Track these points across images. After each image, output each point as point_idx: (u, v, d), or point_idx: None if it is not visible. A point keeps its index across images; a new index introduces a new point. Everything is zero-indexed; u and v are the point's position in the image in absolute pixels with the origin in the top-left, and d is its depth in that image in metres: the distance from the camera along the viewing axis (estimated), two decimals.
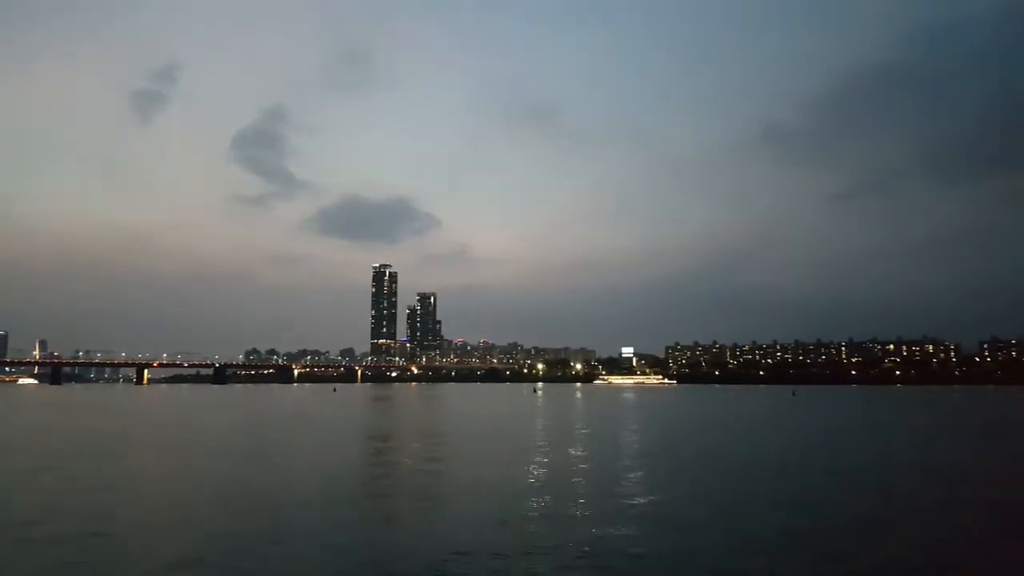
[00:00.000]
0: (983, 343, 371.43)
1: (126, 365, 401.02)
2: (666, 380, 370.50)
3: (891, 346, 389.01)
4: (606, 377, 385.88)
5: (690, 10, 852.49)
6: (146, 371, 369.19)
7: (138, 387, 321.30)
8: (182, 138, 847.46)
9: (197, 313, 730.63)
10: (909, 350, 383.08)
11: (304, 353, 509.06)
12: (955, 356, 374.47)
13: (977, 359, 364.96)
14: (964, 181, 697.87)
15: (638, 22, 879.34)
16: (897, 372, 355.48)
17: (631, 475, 28.52)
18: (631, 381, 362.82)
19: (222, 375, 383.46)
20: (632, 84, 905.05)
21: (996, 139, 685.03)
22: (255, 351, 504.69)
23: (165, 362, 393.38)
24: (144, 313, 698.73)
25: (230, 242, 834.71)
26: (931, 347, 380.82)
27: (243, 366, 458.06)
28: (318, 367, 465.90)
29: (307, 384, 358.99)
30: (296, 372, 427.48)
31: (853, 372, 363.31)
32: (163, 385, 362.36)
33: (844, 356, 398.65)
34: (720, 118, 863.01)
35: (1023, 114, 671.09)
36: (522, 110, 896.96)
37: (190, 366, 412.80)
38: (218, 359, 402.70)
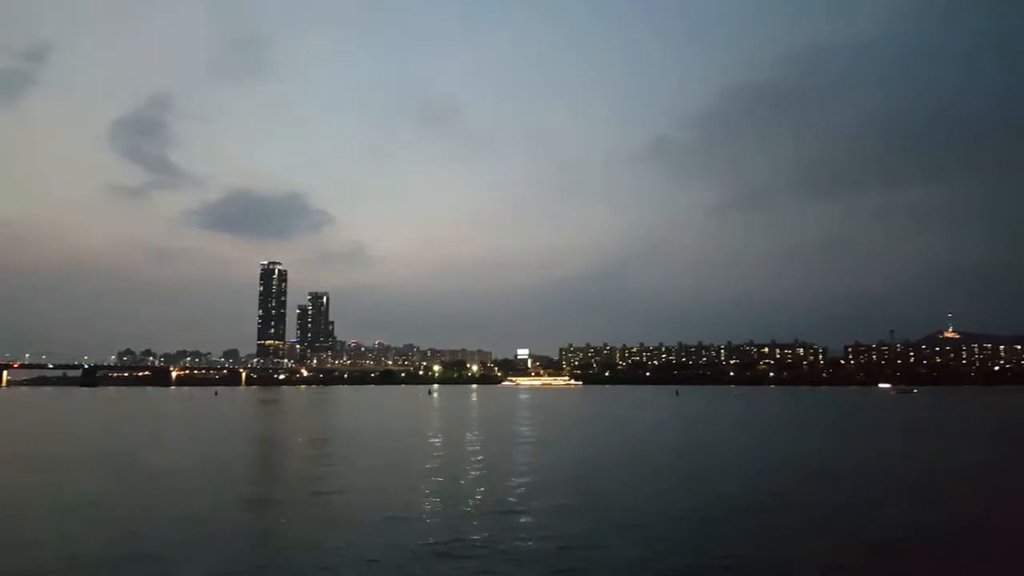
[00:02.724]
0: (847, 347, 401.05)
1: None
2: (572, 381, 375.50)
3: (766, 349, 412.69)
4: (513, 379, 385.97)
5: (591, 19, 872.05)
6: (5, 372, 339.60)
7: None
8: (53, 124, 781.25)
9: (66, 311, 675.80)
10: (782, 353, 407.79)
11: (183, 354, 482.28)
12: (823, 359, 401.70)
13: (842, 361, 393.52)
14: (832, 196, 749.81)
15: (539, 28, 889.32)
16: (771, 373, 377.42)
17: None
18: (538, 382, 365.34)
19: (92, 377, 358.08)
20: (530, 89, 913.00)
21: (860, 159, 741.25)
22: (129, 351, 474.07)
23: (28, 363, 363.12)
24: (6, 310, 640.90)
25: (105, 234, 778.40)
26: (802, 350, 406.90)
27: (115, 367, 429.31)
28: (198, 369, 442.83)
29: (186, 387, 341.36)
30: (174, 374, 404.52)
31: (732, 373, 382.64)
32: (24, 388, 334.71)
33: (723, 358, 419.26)
34: (615, 128, 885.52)
35: (886, 136, 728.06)
36: (421, 109, 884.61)
37: (56, 367, 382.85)
38: (87, 360, 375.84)
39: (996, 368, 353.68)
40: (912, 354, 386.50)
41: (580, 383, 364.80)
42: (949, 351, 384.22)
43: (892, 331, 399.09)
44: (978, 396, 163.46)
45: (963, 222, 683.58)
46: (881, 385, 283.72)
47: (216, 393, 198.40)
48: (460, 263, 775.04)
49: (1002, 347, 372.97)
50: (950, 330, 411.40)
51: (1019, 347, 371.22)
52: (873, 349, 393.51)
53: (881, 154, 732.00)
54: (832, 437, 52.92)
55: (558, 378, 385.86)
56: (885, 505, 23.05)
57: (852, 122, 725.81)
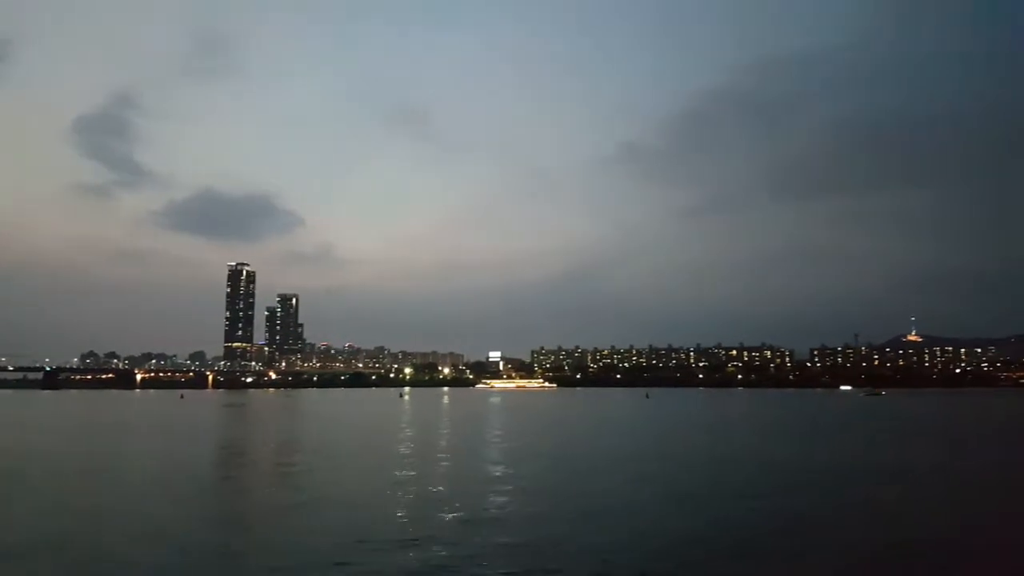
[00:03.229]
0: (813, 350, 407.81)
1: None
2: (547, 384, 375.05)
3: (734, 351, 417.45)
4: (488, 381, 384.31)
5: (563, 24, 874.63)
6: None
7: None
8: (14, 121, 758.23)
9: (27, 312, 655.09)
10: (750, 356, 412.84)
11: (148, 356, 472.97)
12: (790, 361, 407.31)
13: (808, 364, 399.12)
14: (801, 202, 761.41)
15: (511, 33, 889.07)
16: (739, 376, 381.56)
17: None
18: (513, 385, 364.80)
19: (54, 379, 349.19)
20: (502, 93, 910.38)
21: (828, 166, 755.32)
22: (92, 354, 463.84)
23: None
24: None
25: (67, 234, 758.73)
26: (769, 353, 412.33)
27: (78, 370, 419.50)
28: (164, 372, 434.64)
29: (151, 390, 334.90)
30: (139, 377, 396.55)
31: (700, 376, 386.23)
32: None
33: (692, 360, 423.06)
34: (587, 131, 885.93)
35: (852, 142, 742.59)
36: (391, 111, 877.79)
37: (16, 369, 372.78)
38: (49, 362, 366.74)
39: (957, 371, 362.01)
40: (876, 357, 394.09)
41: (555, 385, 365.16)
42: (912, 354, 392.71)
43: (857, 335, 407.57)
44: (945, 398, 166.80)
45: (926, 228, 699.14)
46: (843, 387, 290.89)
47: (182, 396, 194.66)
48: (431, 265, 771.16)
49: (963, 350, 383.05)
50: (913, 333, 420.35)
51: (979, 350, 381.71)
52: (838, 352, 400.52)
53: (847, 161, 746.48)
54: (813, 440, 53.41)
55: (532, 381, 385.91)
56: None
57: (821, 129, 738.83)
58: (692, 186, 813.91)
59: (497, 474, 31.35)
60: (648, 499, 24.92)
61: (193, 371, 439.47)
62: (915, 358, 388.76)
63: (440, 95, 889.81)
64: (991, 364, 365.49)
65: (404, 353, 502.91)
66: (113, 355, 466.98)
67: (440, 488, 27.47)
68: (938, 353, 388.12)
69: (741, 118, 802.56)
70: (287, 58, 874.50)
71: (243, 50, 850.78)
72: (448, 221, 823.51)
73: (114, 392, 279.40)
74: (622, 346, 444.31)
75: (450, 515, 21.68)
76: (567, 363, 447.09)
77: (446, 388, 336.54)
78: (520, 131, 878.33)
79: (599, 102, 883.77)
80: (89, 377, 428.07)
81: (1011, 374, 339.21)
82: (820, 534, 19.35)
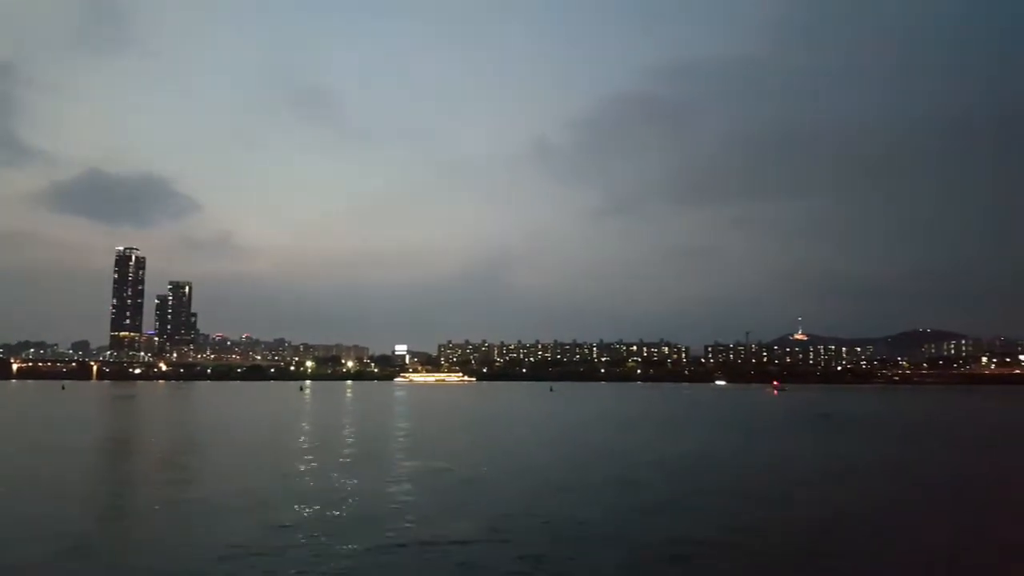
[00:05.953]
0: (708, 346, 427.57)
1: None
2: (466, 378, 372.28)
3: (634, 347, 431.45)
4: (406, 375, 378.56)
5: (477, 18, 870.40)
6: None
7: None
8: None
9: None
10: (649, 351, 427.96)
11: (26, 345, 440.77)
12: (686, 357, 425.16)
13: (703, 360, 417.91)
14: (700, 205, 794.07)
15: (425, 24, 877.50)
16: (639, 371, 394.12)
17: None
18: (432, 379, 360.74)
19: None
20: (413, 84, 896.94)
21: (727, 171, 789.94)
22: None
23: None
24: None
25: None
26: (667, 349, 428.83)
27: None
28: (43, 362, 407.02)
29: (29, 381, 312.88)
30: (15, 367, 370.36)
31: (603, 370, 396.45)
32: None
33: (595, 355, 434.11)
34: (496, 129, 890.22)
35: (752, 149, 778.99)
36: (298, 94, 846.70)
37: None
38: None
39: (839, 368, 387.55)
40: (765, 354, 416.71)
41: (474, 379, 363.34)
42: (798, 352, 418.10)
43: (748, 332, 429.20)
44: (831, 393, 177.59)
45: (814, 234, 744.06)
46: (717, 383, 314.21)
47: (63, 388, 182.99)
48: (335, 256, 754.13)
49: (844, 349, 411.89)
50: (800, 332, 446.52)
51: (859, 349, 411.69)
52: (731, 349, 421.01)
53: (747, 167, 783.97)
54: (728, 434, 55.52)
55: (452, 375, 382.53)
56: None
57: (724, 135, 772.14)
58: (597, 186, 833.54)
59: (400, 479, 30.87)
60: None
61: (76, 361, 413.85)
62: (801, 356, 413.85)
63: (349, 80, 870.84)
64: (869, 362, 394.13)
65: (306, 345, 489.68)
66: None
67: (334, 493, 26.74)
68: (822, 351, 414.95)
69: (648, 122, 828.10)
70: (187, 32, 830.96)
71: (139, 22, 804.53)
72: (353, 211, 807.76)
73: None
74: (528, 341, 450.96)
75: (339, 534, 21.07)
76: (474, 357, 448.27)
77: (350, 382, 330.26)
78: (430, 123, 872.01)
79: (511, 99, 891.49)
80: None
81: (886, 371, 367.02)
82: None
